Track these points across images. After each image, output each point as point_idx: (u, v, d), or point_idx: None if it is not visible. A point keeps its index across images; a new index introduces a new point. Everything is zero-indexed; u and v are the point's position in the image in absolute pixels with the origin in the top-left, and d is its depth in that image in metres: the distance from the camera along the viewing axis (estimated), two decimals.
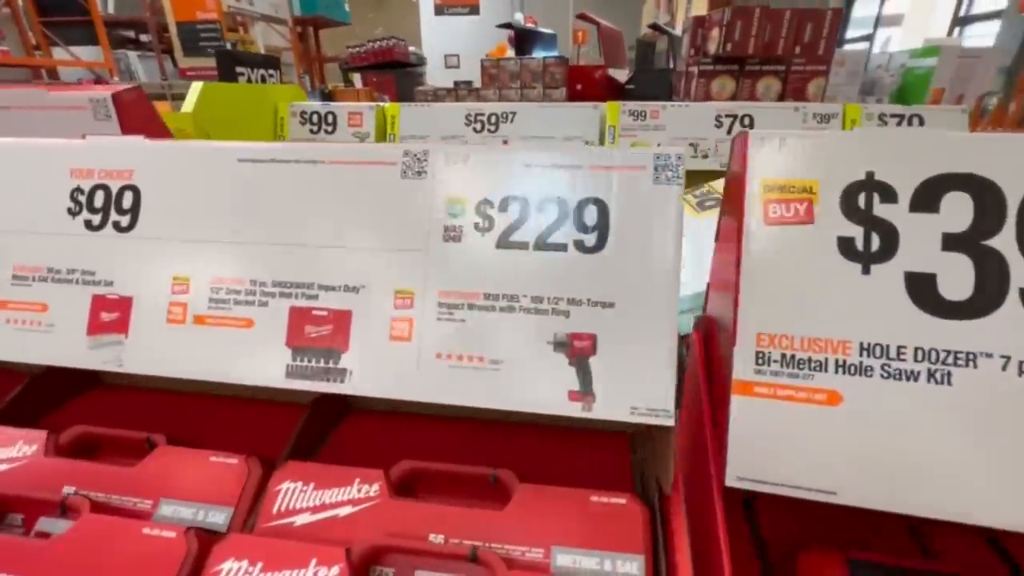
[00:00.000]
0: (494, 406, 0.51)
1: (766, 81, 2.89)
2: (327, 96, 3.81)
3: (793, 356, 0.51)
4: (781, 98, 2.89)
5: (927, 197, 0.49)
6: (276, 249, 0.57)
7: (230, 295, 0.57)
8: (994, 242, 0.46)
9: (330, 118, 2.23)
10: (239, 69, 2.35)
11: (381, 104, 2.27)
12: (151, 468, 0.58)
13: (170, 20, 4.77)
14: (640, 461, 0.64)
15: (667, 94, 3.41)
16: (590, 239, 0.51)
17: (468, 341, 0.52)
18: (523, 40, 4.58)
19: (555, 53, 4.36)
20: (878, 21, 6.20)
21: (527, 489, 0.53)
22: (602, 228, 0.51)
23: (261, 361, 0.56)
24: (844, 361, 0.50)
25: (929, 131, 0.53)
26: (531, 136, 2.19)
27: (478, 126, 2.22)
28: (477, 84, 3.67)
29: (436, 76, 7.35)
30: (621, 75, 3.97)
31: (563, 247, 0.51)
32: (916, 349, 0.48)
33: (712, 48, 2.84)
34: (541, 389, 0.51)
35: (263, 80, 2.50)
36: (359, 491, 0.54)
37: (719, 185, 1.30)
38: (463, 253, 0.53)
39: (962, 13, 5.28)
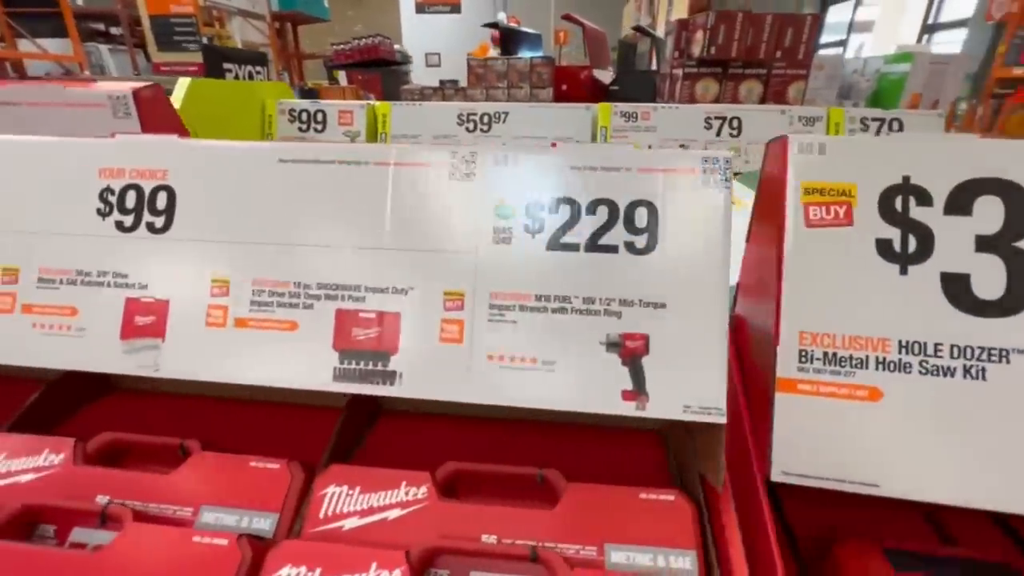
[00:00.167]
0: (548, 407, 0.52)
1: (748, 84, 2.95)
2: (308, 93, 3.75)
3: (835, 354, 0.52)
4: (763, 101, 2.95)
5: (960, 200, 0.51)
6: (319, 251, 0.56)
7: (273, 297, 0.56)
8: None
9: (320, 116, 2.19)
10: (227, 65, 2.30)
11: (371, 103, 2.24)
12: (189, 475, 0.57)
13: (143, 13, 4.58)
14: (673, 457, 0.66)
15: (651, 96, 3.46)
16: (641, 240, 0.52)
17: (520, 342, 0.52)
18: (508, 40, 4.59)
19: (540, 53, 4.38)
20: (851, 27, 6.40)
21: (577, 488, 0.54)
22: (652, 230, 0.52)
23: (307, 364, 0.55)
24: (884, 358, 0.52)
25: (962, 137, 0.55)
26: (522, 136, 2.19)
27: (470, 126, 2.21)
28: (461, 82, 3.65)
29: (418, 74, 7.31)
30: (605, 76, 4.01)
31: (614, 248, 0.52)
32: (952, 346, 0.50)
33: (696, 51, 2.89)
34: (595, 389, 0.51)
35: (250, 77, 2.45)
36: (407, 493, 0.54)
37: None
38: (513, 255, 0.53)
39: (930, 21, 5.49)
